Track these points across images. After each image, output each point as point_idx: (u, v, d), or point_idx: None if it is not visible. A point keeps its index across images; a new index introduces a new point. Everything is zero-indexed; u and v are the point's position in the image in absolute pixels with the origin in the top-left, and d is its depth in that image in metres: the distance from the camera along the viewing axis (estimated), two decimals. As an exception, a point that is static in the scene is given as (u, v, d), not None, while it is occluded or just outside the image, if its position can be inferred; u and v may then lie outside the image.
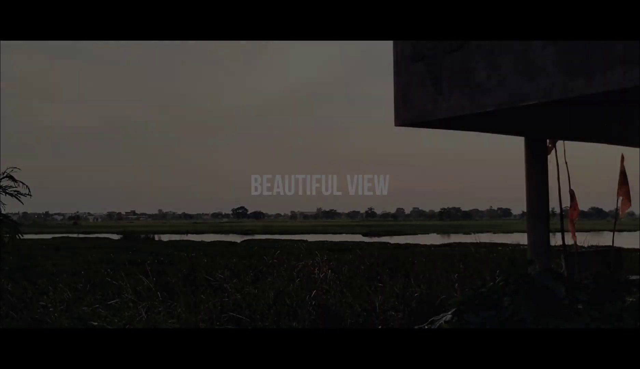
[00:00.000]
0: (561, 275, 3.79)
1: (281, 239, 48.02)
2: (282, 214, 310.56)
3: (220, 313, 10.00)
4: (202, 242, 43.23)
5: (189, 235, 66.88)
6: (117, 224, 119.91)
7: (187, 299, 10.64)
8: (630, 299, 4.19)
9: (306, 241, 43.30)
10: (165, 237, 51.13)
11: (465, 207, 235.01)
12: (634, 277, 8.87)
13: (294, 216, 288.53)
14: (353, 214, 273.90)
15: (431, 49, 7.02)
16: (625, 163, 8.13)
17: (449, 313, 3.66)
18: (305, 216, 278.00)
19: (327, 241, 46.66)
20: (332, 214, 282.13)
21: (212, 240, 49.83)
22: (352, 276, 15.82)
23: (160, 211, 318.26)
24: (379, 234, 71.85)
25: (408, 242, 44.68)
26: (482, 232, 65.57)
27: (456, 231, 75.87)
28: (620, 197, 8.04)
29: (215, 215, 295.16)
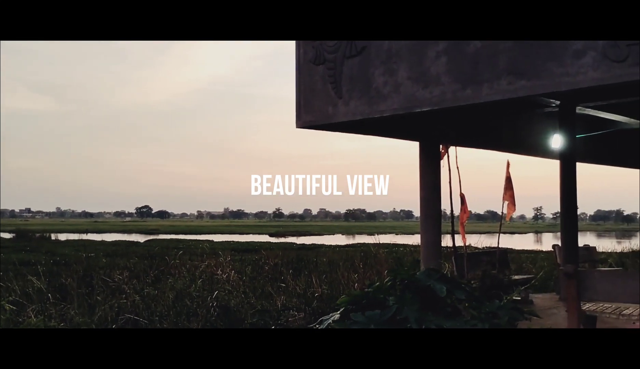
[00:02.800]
0: (444, 275, 3.96)
1: (186, 239, 47.08)
2: (188, 213, 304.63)
3: (117, 315, 9.67)
4: (102, 242, 41.55)
5: (88, 234, 64.12)
6: (9, 222, 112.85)
7: (82, 301, 10.21)
8: (506, 298, 4.45)
9: (212, 241, 42.69)
10: (63, 237, 48.73)
11: (370, 209, 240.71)
12: (517, 276, 9.48)
13: (200, 215, 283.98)
14: (261, 215, 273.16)
15: (332, 52, 7.14)
16: (510, 169, 8.63)
17: (338, 312, 3.74)
18: (212, 216, 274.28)
19: (233, 241, 46.25)
20: (239, 214, 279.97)
21: (114, 239, 48.04)
22: (255, 276, 15.76)
23: (58, 208, 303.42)
24: (285, 235, 72.05)
25: (314, 242, 45.12)
26: (385, 233, 67.39)
27: (361, 232, 77.46)
28: (506, 202, 8.52)
29: (118, 214, 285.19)
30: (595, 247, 13.82)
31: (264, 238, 60.43)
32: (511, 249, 30.40)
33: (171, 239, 48.91)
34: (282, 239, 57.15)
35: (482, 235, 28.34)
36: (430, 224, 7.71)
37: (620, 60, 5.00)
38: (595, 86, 5.28)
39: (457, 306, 4.01)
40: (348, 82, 7.06)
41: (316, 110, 7.41)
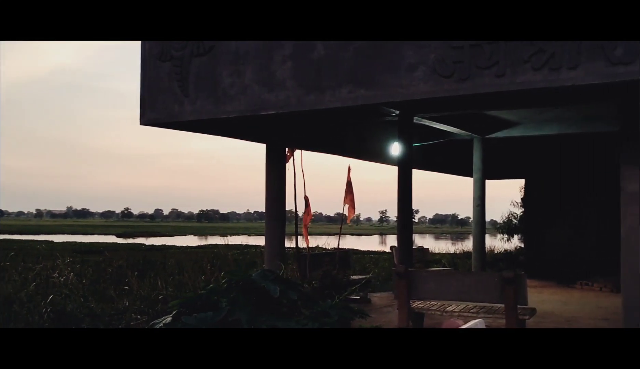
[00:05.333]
0: (279, 276, 4.03)
1: (21, 240, 43.50)
2: (26, 212, 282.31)
3: None
4: None
5: None
6: None
7: None
8: (338, 298, 4.63)
9: (51, 241, 39.87)
10: None
11: (223, 210, 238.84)
12: (356, 276, 9.92)
13: (39, 214, 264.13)
14: (108, 214, 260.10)
15: (179, 50, 7.00)
16: (352, 174, 9.01)
17: (170, 315, 3.67)
18: (53, 215, 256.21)
19: (75, 241, 43.52)
20: (84, 213, 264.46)
21: None
22: (97, 279, 14.97)
23: None
24: (134, 236, 69.18)
25: (164, 243, 43.78)
26: (238, 234, 67.15)
27: (213, 233, 76.51)
28: (347, 205, 8.87)
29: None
30: (428, 249, 14.81)
31: (111, 239, 57.54)
32: (357, 250, 31.68)
33: (4, 240, 44.94)
34: (130, 240, 54.78)
35: (331, 236, 29.24)
36: (274, 226, 7.82)
37: (447, 76, 5.43)
38: (425, 98, 5.69)
39: (291, 306, 4.09)
40: (195, 81, 6.96)
41: (161, 107, 7.21)
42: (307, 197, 8.25)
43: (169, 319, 3.65)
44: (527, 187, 16.08)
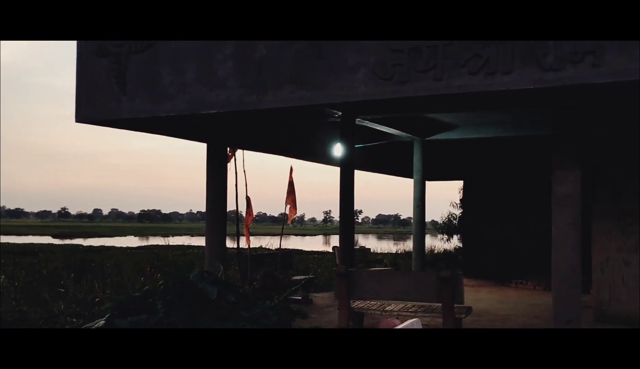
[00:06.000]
0: (217, 277, 3.99)
1: (-55, 242, 41.47)
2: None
3: None
4: None
5: None
6: None
7: None
8: (277, 298, 4.62)
9: (-19, 243, 38.15)
10: None
11: (165, 210, 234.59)
12: (298, 277, 9.93)
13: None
14: (43, 214, 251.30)
15: (117, 46, 6.82)
16: (293, 174, 9.01)
17: (103, 319, 3.57)
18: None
19: (8, 243, 41.81)
20: (18, 213, 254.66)
21: None
22: (30, 281, 14.43)
23: None
24: (71, 236, 67.08)
25: (103, 244, 42.61)
26: (181, 235, 66.05)
27: (155, 234, 75.05)
28: (288, 206, 8.86)
29: None
30: (370, 249, 14.99)
31: (46, 240, 55.59)
32: (301, 250, 31.69)
33: None
34: (67, 241, 53.08)
35: (275, 237, 29.15)
36: (215, 226, 7.73)
37: (387, 79, 5.50)
38: (366, 100, 5.74)
39: (229, 307, 4.06)
40: (134, 78, 6.80)
41: (98, 105, 7.02)
42: (249, 198, 8.20)
43: (101, 322, 3.56)
44: (465, 189, 16.48)
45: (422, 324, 5.09)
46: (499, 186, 14.90)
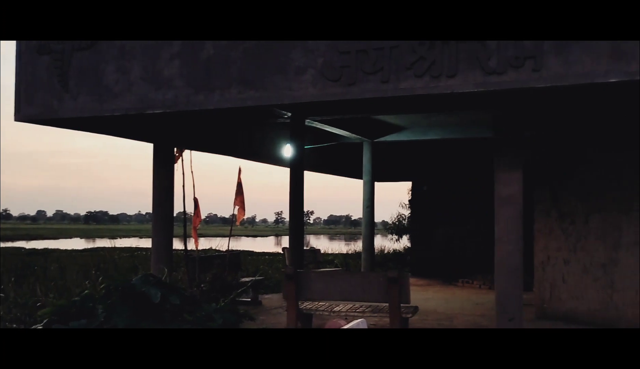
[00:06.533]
0: (160, 280, 3.92)
1: None
2: None
3: None
4: None
5: None
6: None
7: None
8: (223, 301, 4.58)
9: None
10: None
11: (113, 211, 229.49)
12: (247, 278, 9.88)
13: None
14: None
15: (59, 43, 6.64)
16: (242, 175, 8.94)
17: (40, 325, 3.46)
18: None
19: (-56, 246, 40.08)
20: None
21: None
22: (-35, 286, 13.86)
23: None
24: (13, 239, 64.80)
25: (47, 247, 41.32)
26: (129, 236, 64.69)
27: (102, 236, 73.34)
28: (237, 207, 8.79)
29: None
30: (320, 249, 15.02)
31: (-14, 242, 53.54)
32: (252, 251, 31.51)
33: None
34: (8, 244, 51.22)
35: (225, 238, 28.83)
36: (161, 228, 7.60)
37: (334, 80, 5.52)
38: (314, 101, 5.75)
39: (174, 310, 3.99)
40: (77, 76, 6.62)
41: (39, 103, 6.81)
42: (197, 199, 8.08)
43: (39, 328, 3.45)
44: (414, 190, 16.72)
45: (369, 324, 5.13)
46: (446, 187, 15.18)
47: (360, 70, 5.40)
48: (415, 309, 6.83)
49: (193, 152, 8.77)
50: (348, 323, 4.48)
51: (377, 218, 13.53)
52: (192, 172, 7.94)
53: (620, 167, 7.92)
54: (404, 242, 21.83)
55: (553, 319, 8.30)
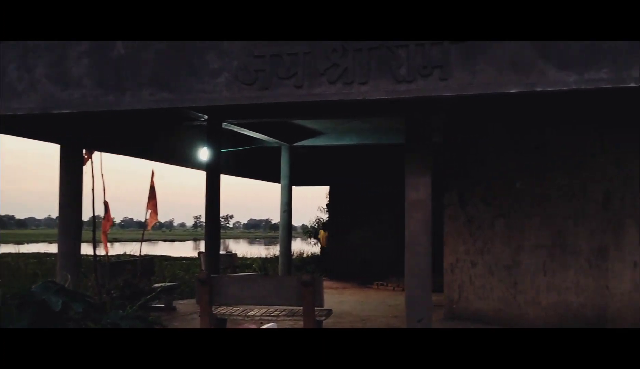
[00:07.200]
0: (63, 287, 3.77)
1: None
2: None
3: None
4: None
5: None
6: None
7: None
8: (130, 308, 4.46)
9: None
10: None
11: (20, 216, 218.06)
12: (160, 284, 9.65)
13: None
14: None
15: (-47, 38, 6.24)
16: (155, 178, 8.74)
17: None
18: None
19: None
20: None
21: None
22: None
23: None
24: None
25: (-55, 253, 38.69)
26: (38, 242, 61.65)
27: (8, 241, 69.52)
28: (149, 211, 8.59)
29: None
30: (236, 254, 14.93)
31: None
32: (169, 256, 30.81)
33: None
34: None
35: (143, 242, 28.02)
36: (68, 233, 7.31)
37: (249, 84, 5.51)
38: (229, 105, 5.72)
39: (81, 318, 3.87)
40: (-24, 73, 6.26)
41: None
42: (107, 203, 7.81)
43: None
44: (331, 194, 16.93)
45: (284, 327, 5.15)
46: (361, 191, 15.47)
47: (275, 74, 5.42)
48: (329, 312, 6.90)
49: (107, 154, 8.50)
50: (259, 327, 4.49)
51: (298, 222, 13.65)
52: (102, 174, 7.67)
53: (520, 174, 8.35)
54: (323, 245, 22.04)
55: (461, 319, 8.62)
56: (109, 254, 8.43)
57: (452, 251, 8.83)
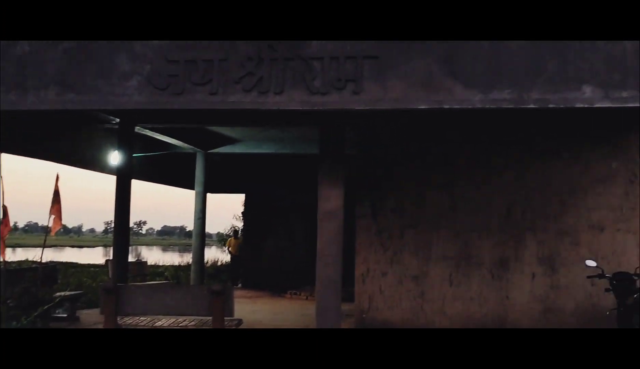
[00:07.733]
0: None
1: None
2: None
3: None
4: None
5: None
6: None
7: None
8: (25, 319, 4.26)
9: None
10: None
11: None
12: (65, 293, 9.24)
13: None
14: None
15: None
16: (60, 183, 8.36)
17: None
18: None
19: None
20: None
21: None
22: None
23: None
24: None
25: None
26: None
27: None
28: (53, 216, 8.22)
29: None
30: (146, 261, 14.53)
31: None
32: (76, 263, 29.52)
33: None
34: None
35: (48, 248, 26.74)
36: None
37: (162, 89, 5.40)
38: (141, 109, 5.57)
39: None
40: None
41: None
42: (6, 207, 7.39)
43: None
44: (246, 202, 16.82)
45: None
46: (277, 200, 15.46)
47: (189, 80, 5.35)
48: (240, 322, 6.84)
49: (3, 155, 8.04)
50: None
51: (214, 230, 13.44)
52: (0, 177, 7.24)
53: (429, 187, 8.63)
54: (237, 254, 21.81)
55: (370, 328, 8.76)
56: (6, 260, 7.96)
57: (363, 260, 8.97)
